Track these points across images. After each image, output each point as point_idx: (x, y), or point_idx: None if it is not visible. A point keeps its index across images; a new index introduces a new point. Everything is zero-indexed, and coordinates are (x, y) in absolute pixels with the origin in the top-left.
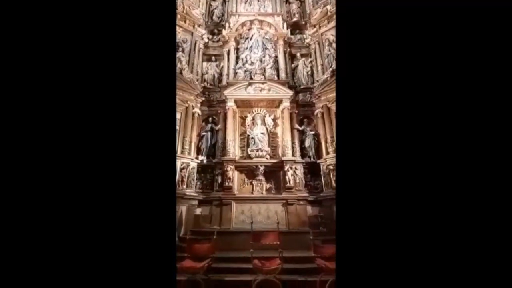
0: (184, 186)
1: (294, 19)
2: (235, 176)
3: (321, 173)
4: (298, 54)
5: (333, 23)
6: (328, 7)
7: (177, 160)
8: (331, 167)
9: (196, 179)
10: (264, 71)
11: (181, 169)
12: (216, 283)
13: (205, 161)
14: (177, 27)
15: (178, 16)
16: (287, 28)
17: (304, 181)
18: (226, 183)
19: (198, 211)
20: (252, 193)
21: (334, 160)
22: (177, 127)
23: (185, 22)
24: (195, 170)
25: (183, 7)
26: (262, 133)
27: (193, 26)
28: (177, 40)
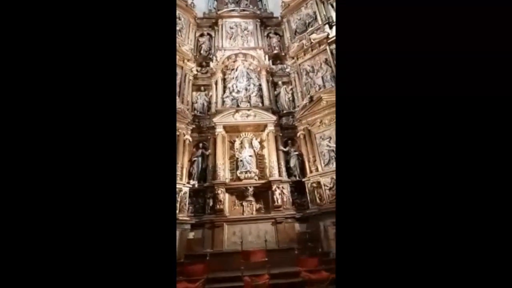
0: (177, 211)
1: (275, 51)
2: (226, 199)
3: (306, 191)
4: (280, 82)
5: (309, 55)
6: (304, 41)
7: None
8: (315, 184)
9: (188, 204)
10: (250, 98)
11: None
12: None
13: (196, 186)
14: None
15: None
16: (269, 60)
17: (291, 200)
18: (218, 206)
19: (191, 235)
20: (242, 214)
21: (318, 178)
22: None
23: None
24: (187, 195)
25: None
26: (250, 156)
27: (183, 61)
28: None
